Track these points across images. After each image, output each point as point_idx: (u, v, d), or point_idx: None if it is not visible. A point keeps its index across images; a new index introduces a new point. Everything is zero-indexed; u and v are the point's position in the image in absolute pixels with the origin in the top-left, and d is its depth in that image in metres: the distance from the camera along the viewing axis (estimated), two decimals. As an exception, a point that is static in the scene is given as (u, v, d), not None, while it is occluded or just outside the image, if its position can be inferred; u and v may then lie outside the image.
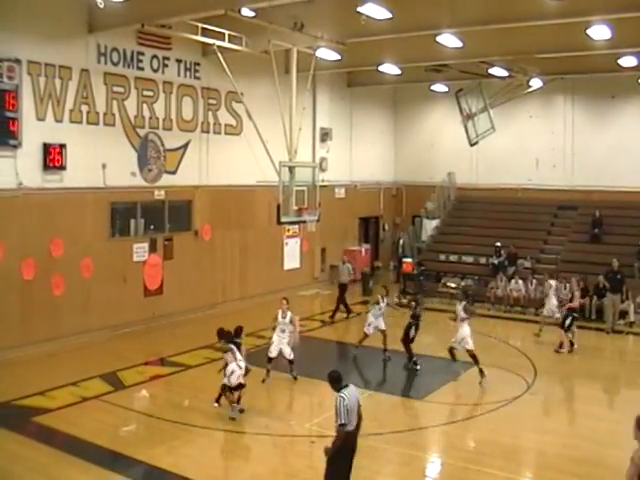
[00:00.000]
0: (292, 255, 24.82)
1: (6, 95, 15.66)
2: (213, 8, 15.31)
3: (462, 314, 14.97)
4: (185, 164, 20.55)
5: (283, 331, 14.49)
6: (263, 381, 14.24)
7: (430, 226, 28.03)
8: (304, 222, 18.84)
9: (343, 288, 21.67)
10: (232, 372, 12.27)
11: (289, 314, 14.54)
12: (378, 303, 16.61)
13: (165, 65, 19.84)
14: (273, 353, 14.47)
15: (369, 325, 16.54)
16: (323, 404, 12.29)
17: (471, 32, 17.23)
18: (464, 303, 15.20)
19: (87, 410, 12.73)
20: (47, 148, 16.56)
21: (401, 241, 27.34)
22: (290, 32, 17.04)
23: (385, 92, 30.24)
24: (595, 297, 20.85)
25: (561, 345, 17.25)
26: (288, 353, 14.52)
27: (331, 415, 11.98)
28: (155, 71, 19.55)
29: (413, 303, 16.35)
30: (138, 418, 12.86)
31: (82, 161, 17.45)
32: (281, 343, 14.48)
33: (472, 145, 25.22)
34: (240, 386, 12.42)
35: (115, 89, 18.37)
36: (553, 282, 19.41)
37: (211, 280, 21.57)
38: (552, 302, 18.94)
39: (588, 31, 16.44)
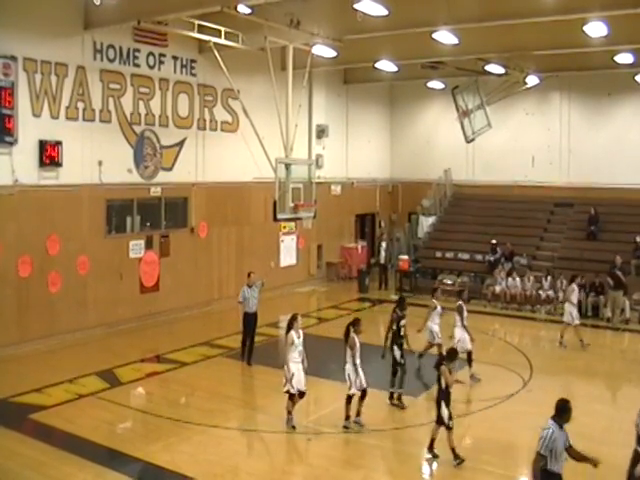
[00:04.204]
0: (288, 252, 24.80)
1: (2, 92, 15.62)
2: (209, 5, 15.26)
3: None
4: (181, 161, 20.52)
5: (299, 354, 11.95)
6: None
7: (426, 223, 28.04)
8: (300, 219, 18.86)
9: (253, 319, 15.90)
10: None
11: (301, 333, 12.08)
12: (435, 307, 15.20)
13: (161, 62, 19.80)
14: (300, 385, 11.87)
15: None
16: (319, 402, 12.31)
17: (467, 29, 17.22)
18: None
19: (83, 407, 12.72)
20: (43, 145, 16.52)
21: (384, 244, 26.65)
22: (286, 29, 17.00)
23: (381, 89, 30.22)
24: (593, 293, 20.96)
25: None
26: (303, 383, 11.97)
27: (327, 412, 12.10)
28: (151, 68, 19.51)
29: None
30: (134, 415, 12.86)
31: (78, 158, 17.42)
32: (299, 370, 11.86)
33: (468, 142, 25.23)
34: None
35: (111, 86, 18.33)
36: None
37: (207, 277, 21.55)
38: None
39: (584, 28, 16.43)
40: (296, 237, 25.02)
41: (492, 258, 24.14)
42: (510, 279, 22.64)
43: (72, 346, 16.73)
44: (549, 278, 22.07)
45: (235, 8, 15.76)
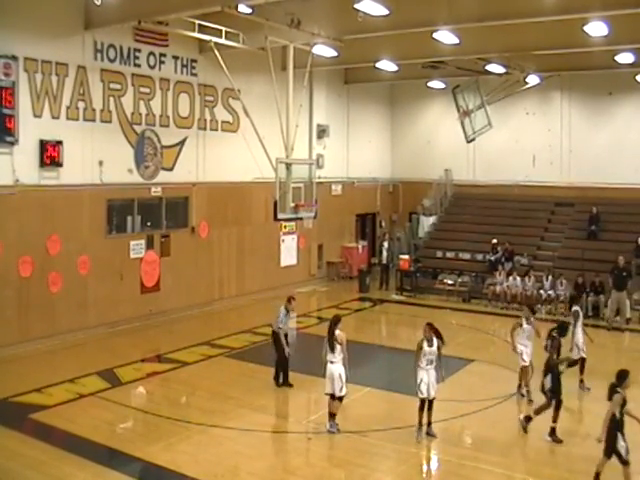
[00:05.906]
0: (289, 252, 24.81)
1: (3, 92, 15.64)
2: (210, 5, 15.28)
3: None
4: (182, 161, 20.52)
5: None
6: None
7: (427, 223, 28.04)
8: (301, 219, 18.87)
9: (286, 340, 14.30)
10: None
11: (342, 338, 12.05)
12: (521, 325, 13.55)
13: (162, 62, 19.81)
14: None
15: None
16: (320, 401, 12.28)
17: (468, 29, 17.23)
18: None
19: (84, 407, 12.73)
20: (44, 145, 16.53)
21: (385, 244, 26.40)
22: (287, 29, 17.02)
23: (382, 89, 30.21)
24: (592, 293, 20.96)
25: None
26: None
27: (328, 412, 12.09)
28: (152, 68, 19.52)
29: None
30: (135, 415, 12.87)
31: (79, 158, 17.44)
32: None
33: (469, 142, 25.28)
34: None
35: (112, 86, 18.35)
36: None
37: (208, 277, 21.56)
38: None
39: (585, 28, 16.42)
40: (297, 237, 25.01)
41: (493, 258, 24.14)
42: (511, 279, 22.65)
43: (73, 346, 16.75)
44: (550, 278, 22.07)
45: (236, 8, 15.78)
